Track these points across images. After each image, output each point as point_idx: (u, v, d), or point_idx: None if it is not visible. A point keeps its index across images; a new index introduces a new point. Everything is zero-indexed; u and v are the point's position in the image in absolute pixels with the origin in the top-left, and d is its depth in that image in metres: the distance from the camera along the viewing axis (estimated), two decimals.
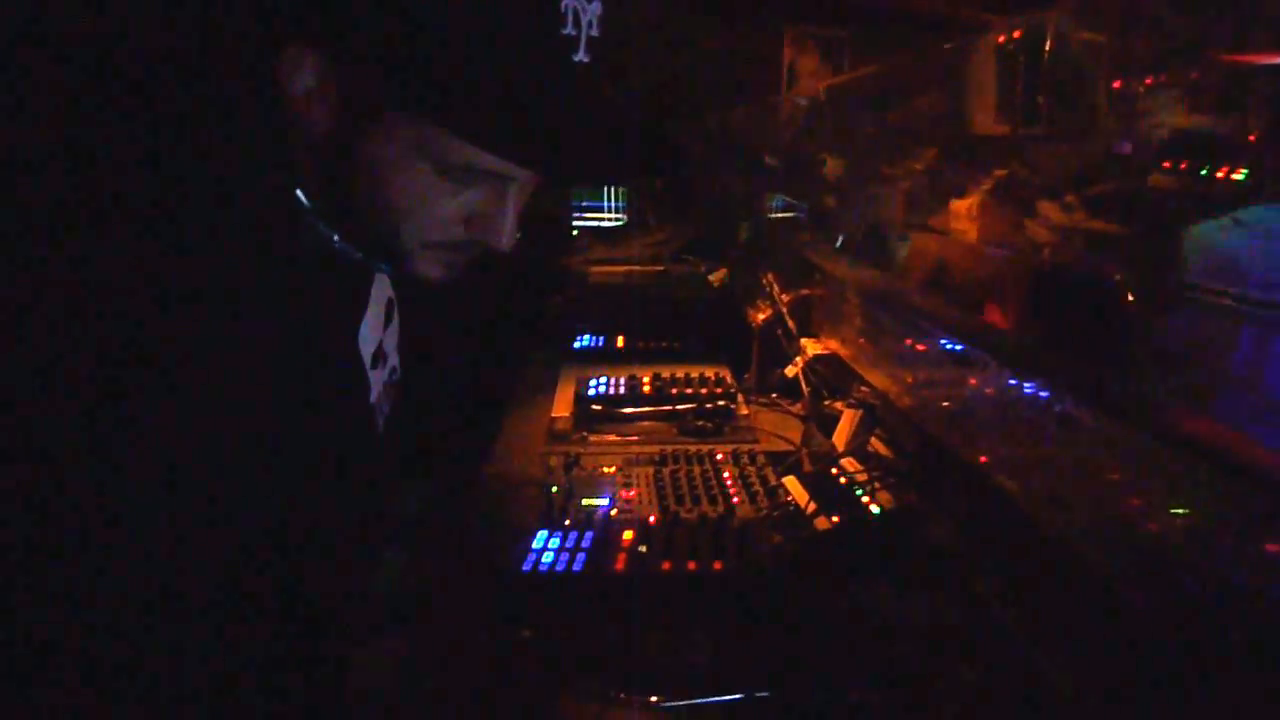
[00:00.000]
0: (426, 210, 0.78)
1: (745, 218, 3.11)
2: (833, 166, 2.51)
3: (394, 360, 1.05)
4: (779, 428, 1.90)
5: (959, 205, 1.64)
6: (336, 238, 0.82)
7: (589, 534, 1.33)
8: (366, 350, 0.95)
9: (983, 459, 1.36)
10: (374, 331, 0.97)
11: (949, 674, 1.04)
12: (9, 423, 0.63)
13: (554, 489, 1.50)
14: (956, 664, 1.06)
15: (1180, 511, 1.01)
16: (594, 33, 0.75)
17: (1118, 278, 1.19)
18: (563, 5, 0.73)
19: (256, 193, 0.78)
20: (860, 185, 2.20)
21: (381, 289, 0.99)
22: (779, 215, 3.16)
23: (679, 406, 1.92)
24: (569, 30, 0.74)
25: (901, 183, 1.97)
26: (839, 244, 2.27)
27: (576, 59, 0.75)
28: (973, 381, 1.52)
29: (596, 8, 0.75)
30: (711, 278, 2.65)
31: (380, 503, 1.07)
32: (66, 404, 0.64)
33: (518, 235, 0.83)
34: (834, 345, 2.04)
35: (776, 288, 2.16)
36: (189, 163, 0.74)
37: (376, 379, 0.99)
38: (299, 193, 0.80)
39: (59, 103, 0.72)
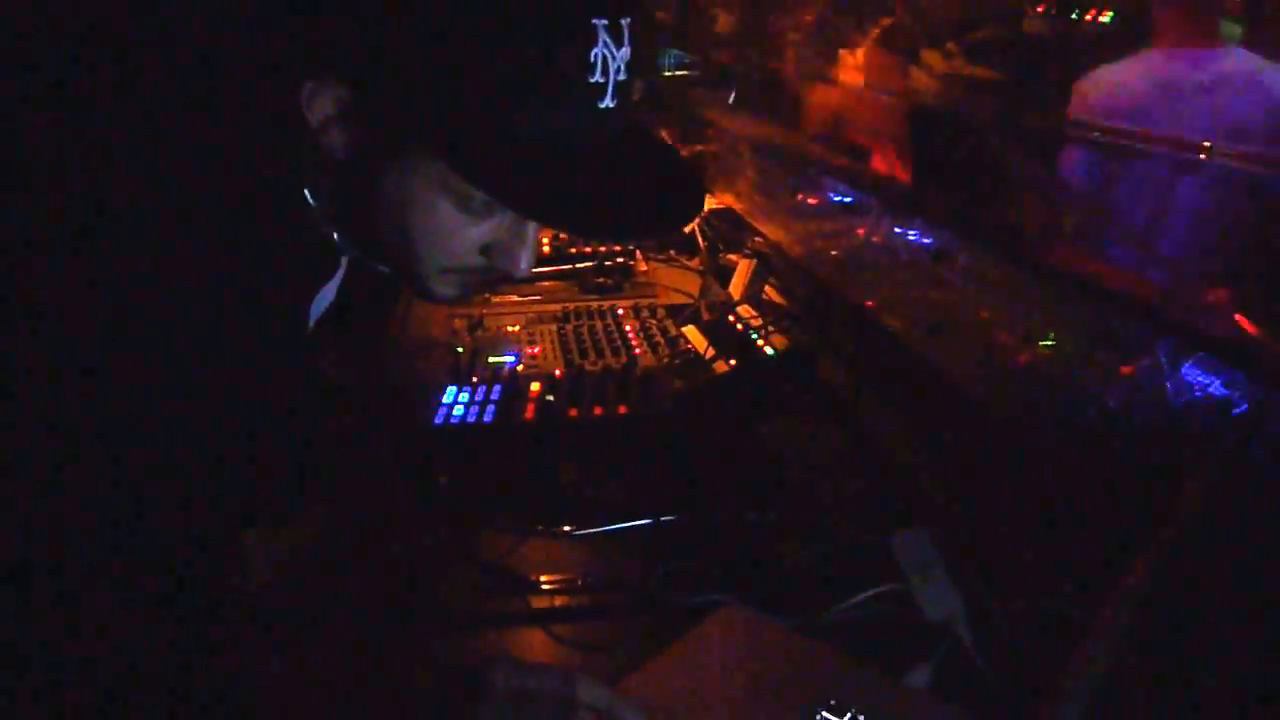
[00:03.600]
0: (446, 241, 0.77)
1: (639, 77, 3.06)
2: (724, 20, 2.50)
3: None
4: (677, 282, 1.95)
5: (847, 55, 1.67)
6: (336, 235, 0.82)
7: (497, 388, 1.36)
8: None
9: (868, 302, 1.44)
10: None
11: (837, 492, 1.14)
12: None
13: (459, 349, 1.52)
14: (845, 483, 1.15)
15: (1048, 343, 1.10)
16: (621, 78, 0.72)
17: (992, 120, 1.25)
18: (592, 54, 0.70)
19: (256, 177, 0.76)
20: (751, 38, 2.20)
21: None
22: (672, 73, 3.13)
23: (579, 265, 1.95)
24: (597, 78, 0.70)
25: (791, 34, 1.98)
26: (731, 99, 2.28)
27: (603, 106, 0.70)
28: (860, 231, 1.59)
29: (625, 54, 0.72)
30: None
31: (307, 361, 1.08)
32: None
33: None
34: (729, 200, 2.08)
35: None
36: (194, 150, 0.72)
37: None
38: (306, 193, 0.79)
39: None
